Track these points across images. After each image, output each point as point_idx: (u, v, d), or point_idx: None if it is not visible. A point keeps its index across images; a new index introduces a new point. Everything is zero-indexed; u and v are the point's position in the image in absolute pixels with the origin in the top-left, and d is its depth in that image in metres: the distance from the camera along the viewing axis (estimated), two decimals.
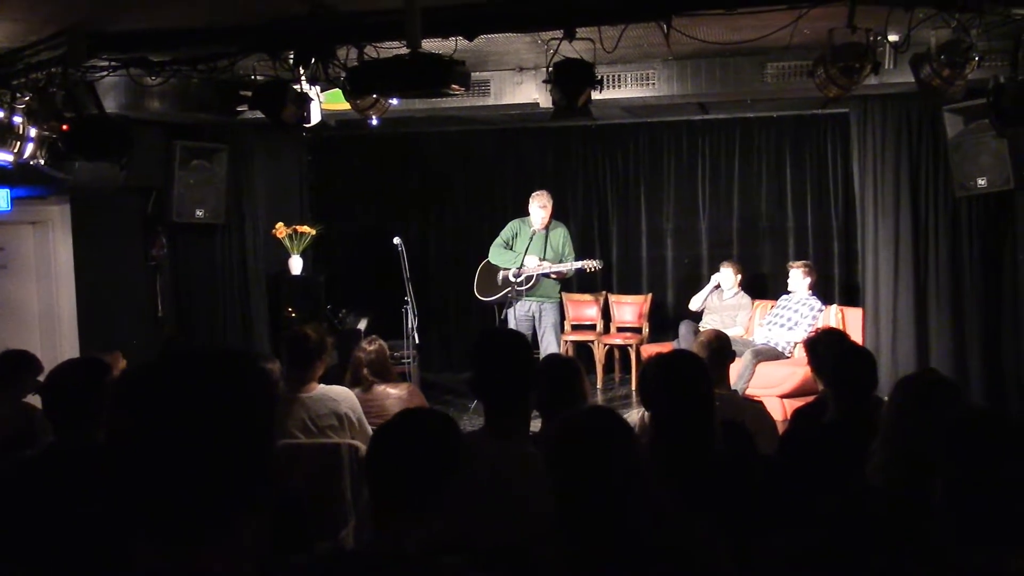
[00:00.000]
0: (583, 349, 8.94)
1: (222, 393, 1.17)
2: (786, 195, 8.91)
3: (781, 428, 4.24)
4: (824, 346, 3.88)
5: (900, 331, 7.01)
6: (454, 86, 4.09)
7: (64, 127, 5.10)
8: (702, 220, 9.21)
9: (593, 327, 9.05)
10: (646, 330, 8.87)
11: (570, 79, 4.59)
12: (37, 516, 2.68)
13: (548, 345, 7.59)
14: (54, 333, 6.88)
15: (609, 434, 2.13)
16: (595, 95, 4.77)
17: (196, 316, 7.94)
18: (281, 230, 8.09)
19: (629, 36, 4.83)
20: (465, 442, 2.13)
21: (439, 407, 5.58)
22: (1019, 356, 6.74)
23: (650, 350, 8.07)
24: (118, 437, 1.19)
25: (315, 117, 5.38)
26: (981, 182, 6.50)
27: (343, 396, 4.29)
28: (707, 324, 7.89)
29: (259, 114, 5.25)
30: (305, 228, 8.21)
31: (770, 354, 7.40)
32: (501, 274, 7.75)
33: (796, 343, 7.37)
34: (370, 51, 4.64)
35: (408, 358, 7.62)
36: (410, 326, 7.53)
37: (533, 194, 7.78)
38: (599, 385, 8.76)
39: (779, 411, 6.62)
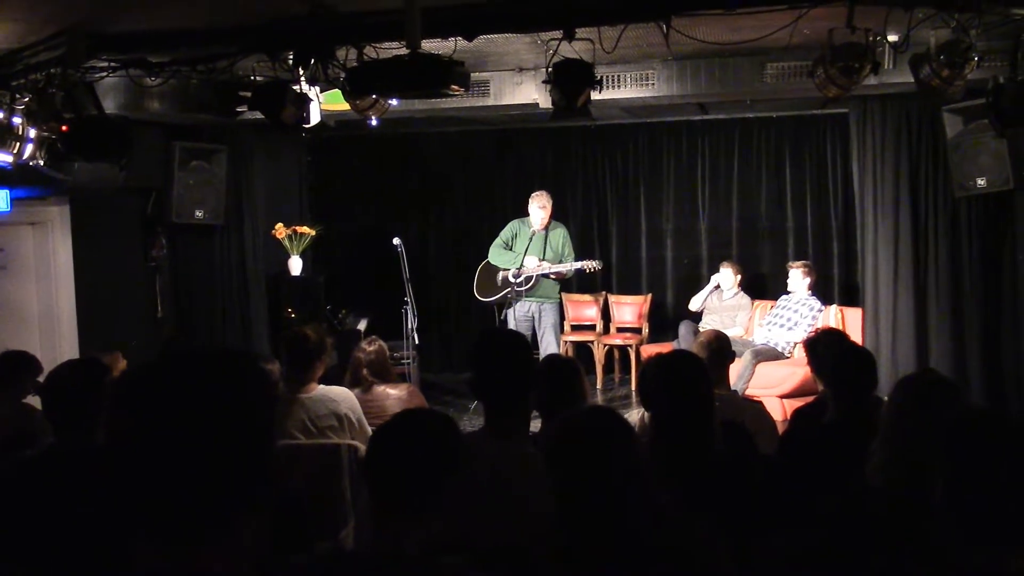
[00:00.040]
0: (583, 349, 8.94)
1: (222, 393, 1.17)
2: (786, 195, 8.91)
3: (781, 428, 4.24)
4: (824, 346, 3.88)
5: (900, 331, 7.01)
6: (454, 86, 4.09)
7: (63, 128, 5.09)
8: (702, 220, 9.21)
9: (593, 327, 9.05)
10: (646, 330, 8.87)
11: (570, 79, 4.59)
12: (37, 517, 2.68)
13: (548, 345, 7.59)
14: (54, 334, 6.88)
15: (609, 434, 2.13)
16: (595, 95, 4.77)
17: (196, 317, 7.94)
18: (281, 231, 8.09)
19: (628, 36, 4.83)
20: (465, 442, 2.13)
21: (439, 408, 5.59)
22: (1018, 356, 6.74)
23: (650, 350, 8.07)
24: (118, 437, 1.19)
25: (314, 118, 5.38)
26: (980, 182, 6.50)
27: (343, 397, 4.29)
28: (707, 324, 7.89)
29: (259, 115, 5.25)
30: (305, 229, 8.21)
31: (770, 354, 7.40)
32: (501, 274, 7.75)
33: (796, 343, 7.37)
34: (370, 51, 4.64)
35: (408, 359, 7.62)
36: (410, 326, 7.53)
37: (533, 194, 7.78)
38: (599, 385, 8.76)
39: (779, 411, 6.62)
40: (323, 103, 5.56)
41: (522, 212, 7.96)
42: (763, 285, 8.75)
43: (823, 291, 8.12)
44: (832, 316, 7.71)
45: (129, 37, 4.85)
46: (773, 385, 7.16)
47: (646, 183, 9.33)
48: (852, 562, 2.19)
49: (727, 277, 8.17)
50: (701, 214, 9.21)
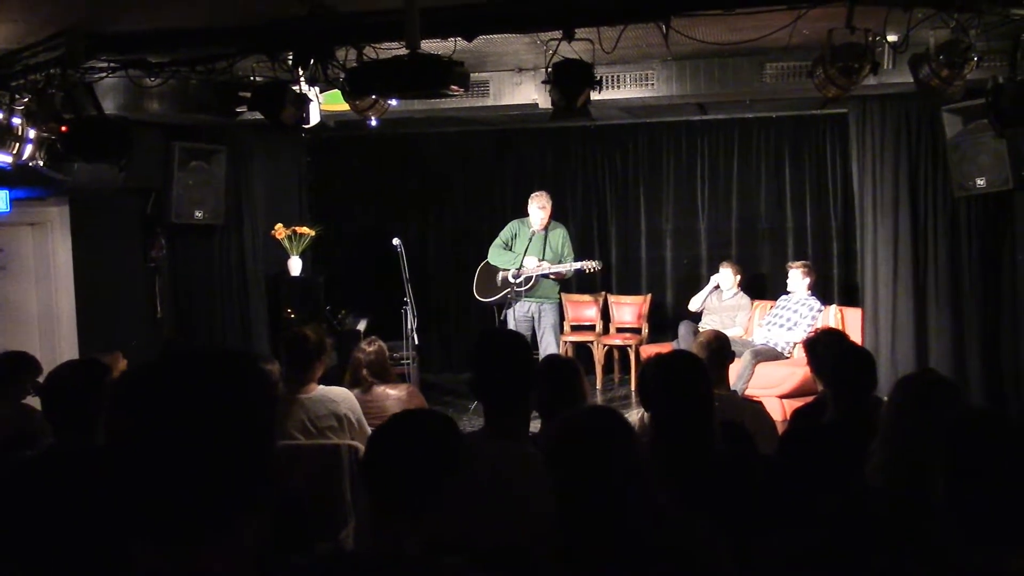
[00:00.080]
0: (582, 350, 8.94)
1: (222, 394, 1.17)
2: (785, 195, 8.92)
3: (780, 428, 4.24)
4: (823, 346, 3.89)
5: (899, 331, 7.01)
6: (453, 87, 4.09)
7: (63, 128, 5.09)
8: (701, 221, 9.22)
9: (592, 328, 9.05)
10: (645, 331, 8.87)
11: (569, 80, 4.59)
12: (37, 517, 2.68)
13: (547, 346, 7.60)
14: (53, 334, 6.88)
15: (609, 434, 2.13)
16: (594, 96, 4.77)
17: (195, 317, 7.94)
18: (280, 231, 8.09)
19: (628, 36, 4.83)
20: (465, 442, 2.13)
21: (439, 408, 5.59)
22: (1018, 356, 6.75)
23: (649, 351, 8.07)
24: (118, 437, 1.19)
25: (314, 118, 5.38)
26: (980, 182, 6.50)
27: (342, 397, 4.29)
28: (706, 324, 7.89)
29: (258, 115, 5.25)
30: (304, 229, 8.20)
31: (769, 354, 7.41)
32: (500, 275, 7.75)
33: (795, 343, 7.37)
34: (369, 52, 4.64)
35: (408, 359, 7.62)
36: (409, 327, 7.53)
37: (532, 195, 7.78)
38: (598, 386, 8.76)
39: (778, 411, 6.63)
40: (323, 103, 5.56)
41: (522, 212, 7.96)
42: (763, 285, 8.76)
43: (823, 291, 8.12)
44: (832, 316, 7.72)
45: (128, 37, 4.85)
46: (773, 385, 7.16)
47: (646, 183, 9.34)
48: (852, 562, 2.19)
49: (727, 277, 8.17)
50: (700, 214, 9.22)
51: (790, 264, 8.03)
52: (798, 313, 7.61)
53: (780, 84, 6.04)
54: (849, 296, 8.25)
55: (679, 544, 2.10)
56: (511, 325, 7.44)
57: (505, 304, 7.60)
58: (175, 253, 7.81)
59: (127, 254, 7.53)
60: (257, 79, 5.35)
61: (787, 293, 7.88)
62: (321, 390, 4.24)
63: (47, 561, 2.55)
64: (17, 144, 5.23)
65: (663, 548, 2.06)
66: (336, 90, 5.01)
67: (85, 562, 2.39)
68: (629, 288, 9.32)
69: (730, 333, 6.68)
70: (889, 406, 2.63)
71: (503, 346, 2.98)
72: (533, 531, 2.24)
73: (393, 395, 4.71)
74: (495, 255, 7.86)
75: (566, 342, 8.73)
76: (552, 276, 7.62)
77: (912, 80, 4.60)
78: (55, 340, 6.84)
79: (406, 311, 7.52)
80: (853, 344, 4.20)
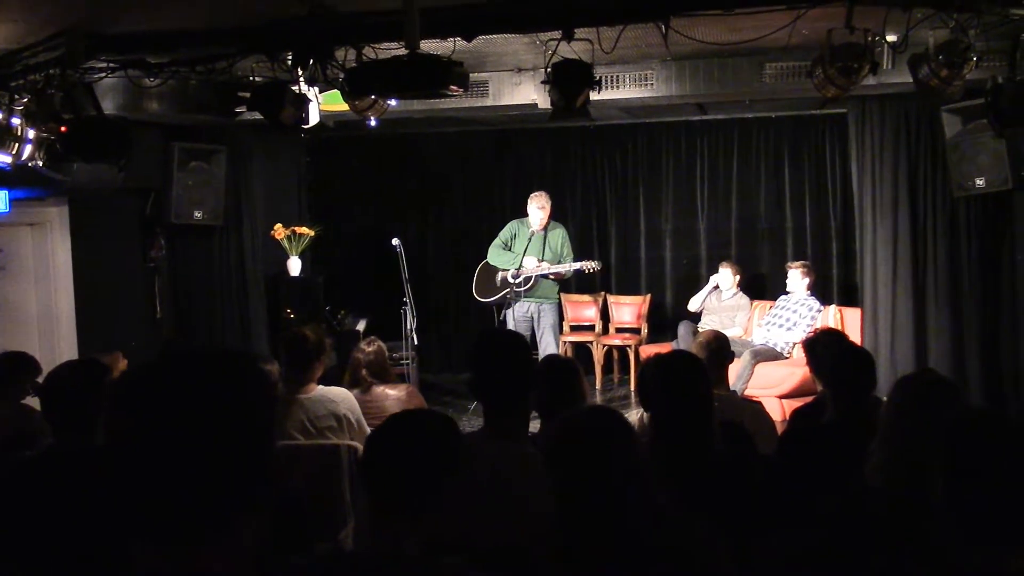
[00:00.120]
0: (582, 350, 8.94)
1: (221, 394, 1.17)
2: (784, 195, 8.92)
3: (780, 428, 4.24)
4: (823, 346, 3.89)
5: (899, 331, 7.02)
6: (452, 87, 4.09)
7: (62, 128, 5.09)
8: (700, 221, 9.22)
9: (592, 328, 9.05)
10: (645, 331, 8.87)
11: (568, 80, 4.59)
12: (36, 518, 2.68)
13: (547, 346, 7.60)
14: (53, 335, 6.88)
15: (609, 434, 2.13)
16: (593, 96, 4.77)
17: (195, 317, 7.94)
18: (280, 231, 8.09)
19: (627, 37, 4.83)
20: (464, 442, 2.13)
21: (438, 408, 5.59)
22: (1017, 356, 6.75)
23: (649, 351, 8.07)
24: (117, 438, 1.19)
25: (313, 118, 5.38)
26: (979, 182, 6.50)
27: (342, 397, 4.29)
28: (706, 325, 7.89)
29: (257, 115, 5.25)
30: (304, 229, 8.20)
31: (769, 354, 7.41)
32: (500, 275, 7.75)
33: (795, 343, 7.37)
34: (368, 52, 4.64)
35: (407, 359, 7.62)
36: (409, 327, 7.53)
37: (532, 195, 7.78)
38: (598, 386, 8.76)
39: (778, 411, 6.62)
40: (322, 104, 5.56)
41: (521, 212, 7.96)
42: (762, 285, 8.76)
43: (822, 291, 8.12)
44: (831, 316, 7.72)
45: (128, 38, 4.85)
46: (772, 385, 7.16)
47: (645, 183, 9.34)
48: (852, 562, 2.19)
49: (726, 277, 8.17)
50: (700, 214, 9.22)
51: (789, 264, 8.03)
52: (797, 313, 7.61)
53: (779, 84, 6.04)
54: (848, 296, 8.25)
55: (679, 544, 2.10)
56: (510, 325, 7.44)
57: (504, 304, 7.60)
58: (174, 253, 7.81)
59: (126, 254, 7.53)
60: (256, 79, 5.35)
61: (786, 293, 7.88)
62: (320, 390, 4.24)
63: (47, 561, 2.54)
64: (16, 144, 5.23)
65: (663, 548, 2.06)
66: (335, 90, 5.01)
67: (85, 562, 2.39)
68: (628, 288, 9.32)
69: (729, 333, 6.68)
70: (888, 406, 2.63)
71: (502, 346, 2.98)
72: (533, 531, 2.24)
73: (392, 395, 4.71)
74: (494, 255, 7.86)
75: (565, 342, 8.73)
76: (551, 276, 7.62)
77: (911, 80, 4.60)
78: (54, 340, 6.84)
79: (405, 311, 7.52)
80: (852, 344, 4.20)
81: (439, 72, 4.02)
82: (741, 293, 8.21)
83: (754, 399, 6.07)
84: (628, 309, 9.04)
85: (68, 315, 6.95)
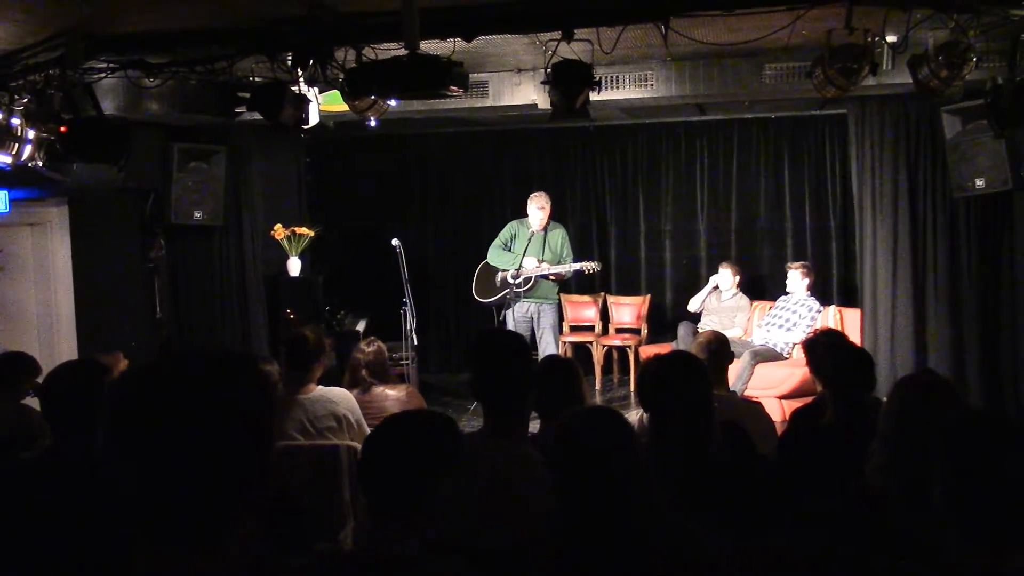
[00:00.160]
0: (581, 350, 8.93)
1: (221, 395, 1.17)
2: (784, 196, 8.92)
3: (780, 429, 4.23)
4: (823, 347, 3.88)
5: (898, 332, 7.02)
6: (452, 87, 4.09)
7: (62, 129, 5.10)
8: (700, 221, 9.22)
9: (592, 328, 9.05)
10: (644, 331, 8.87)
11: (568, 80, 4.59)
12: (36, 519, 2.68)
13: (546, 346, 7.59)
14: (52, 335, 6.88)
15: (609, 434, 2.13)
16: (593, 96, 4.77)
17: (194, 318, 7.93)
18: (279, 231, 8.08)
19: (627, 37, 4.83)
20: (464, 442, 2.13)
21: (438, 408, 5.58)
22: (1017, 357, 6.75)
23: (649, 351, 8.07)
24: (117, 438, 1.19)
25: (313, 118, 5.38)
26: (979, 183, 6.50)
27: (341, 398, 4.29)
28: (706, 325, 7.89)
29: (257, 115, 5.25)
30: (303, 229, 8.20)
31: (769, 355, 7.41)
32: (499, 275, 7.75)
33: (795, 344, 7.37)
34: (368, 52, 4.64)
35: (407, 359, 7.62)
36: (409, 327, 7.52)
37: (531, 195, 7.78)
38: (597, 386, 8.75)
39: (778, 412, 6.62)
40: (322, 104, 5.56)
41: (521, 213, 7.96)
42: (762, 286, 8.75)
43: (822, 292, 8.12)
44: (831, 317, 7.71)
45: (128, 38, 4.85)
46: (772, 386, 7.16)
47: (645, 184, 9.34)
48: (852, 563, 2.19)
49: (726, 278, 8.17)
50: (700, 215, 9.22)
51: (789, 265, 8.03)
52: (797, 314, 7.61)
53: (779, 85, 6.04)
54: (848, 297, 8.25)
55: (679, 544, 2.10)
56: (510, 325, 7.44)
57: (504, 305, 7.60)
58: (174, 254, 7.80)
59: (126, 255, 7.53)
60: (256, 79, 5.36)
61: (786, 294, 7.88)
62: (320, 391, 4.24)
63: (46, 562, 2.54)
64: (16, 144, 5.23)
65: (662, 548, 2.06)
66: (335, 90, 5.01)
67: (84, 563, 2.39)
68: (628, 289, 9.32)
69: (729, 334, 6.68)
70: (888, 407, 2.63)
71: (502, 347, 2.98)
72: (533, 531, 2.24)
73: (392, 396, 4.71)
74: (494, 255, 7.86)
75: (565, 343, 8.73)
76: (551, 277, 7.62)
77: (911, 80, 4.60)
78: (54, 340, 6.85)
79: (405, 311, 7.51)
80: (852, 345, 4.19)
81: (439, 72, 4.02)
82: (741, 294, 8.21)
83: (754, 400, 6.07)
84: (628, 309, 9.04)
85: (68, 315, 6.95)
